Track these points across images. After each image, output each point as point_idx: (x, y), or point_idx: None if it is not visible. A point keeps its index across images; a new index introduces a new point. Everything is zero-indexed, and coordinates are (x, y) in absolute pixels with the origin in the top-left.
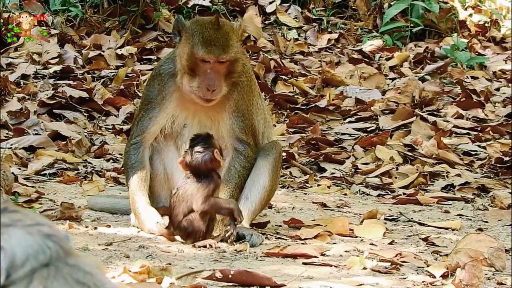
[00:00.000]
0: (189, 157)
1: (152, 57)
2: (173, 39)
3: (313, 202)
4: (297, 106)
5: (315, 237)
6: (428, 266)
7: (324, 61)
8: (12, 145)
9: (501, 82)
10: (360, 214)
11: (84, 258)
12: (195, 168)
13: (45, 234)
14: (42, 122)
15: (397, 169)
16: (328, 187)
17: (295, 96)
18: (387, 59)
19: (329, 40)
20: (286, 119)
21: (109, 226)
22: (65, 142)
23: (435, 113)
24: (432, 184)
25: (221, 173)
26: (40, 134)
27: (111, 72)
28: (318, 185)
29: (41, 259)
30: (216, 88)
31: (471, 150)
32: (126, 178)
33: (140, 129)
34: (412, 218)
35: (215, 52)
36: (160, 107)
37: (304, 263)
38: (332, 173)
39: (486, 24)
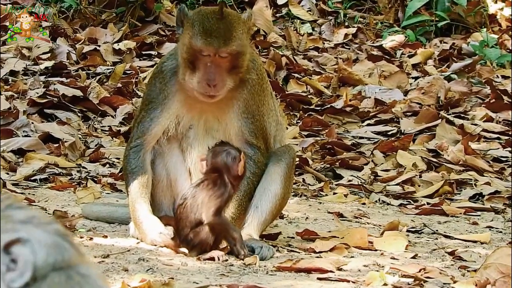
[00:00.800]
0: (211, 154)
1: (153, 52)
2: (176, 31)
3: (329, 212)
4: (311, 107)
5: (331, 250)
6: (455, 282)
7: (340, 58)
8: None
9: None
10: (380, 226)
11: (94, 267)
12: (217, 165)
13: (62, 234)
14: (32, 122)
15: (420, 176)
16: (345, 195)
17: (309, 96)
18: (410, 56)
19: (346, 35)
20: (299, 121)
21: (106, 236)
22: (57, 144)
23: (462, 115)
24: (459, 193)
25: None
26: (30, 136)
27: (108, 69)
28: (334, 193)
29: (59, 259)
30: (217, 83)
31: (501, 156)
32: (126, 185)
33: (140, 131)
34: (437, 230)
35: (214, 44)
36: (162, 107)
37: (319, 279)
38: (349, 181)
39: None
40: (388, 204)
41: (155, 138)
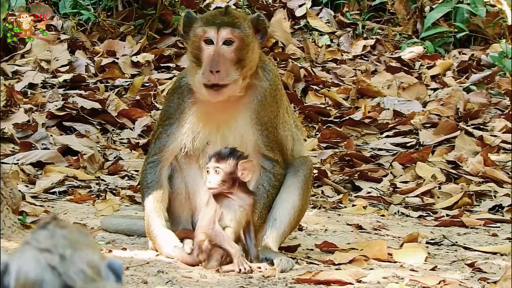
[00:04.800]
0: None
1: (171, 64)
2: (185, 38)
3: (348, 224)
4: (330, 119)
5: (350, 262)
6: None
7: (359, 70)
8: (18, 160)
9: None
10: (400, 237)
11: None
12: None
13: (49, 264)
14: (51, 135)
15: (439, 188)
16: (364, 207)
17: (327, 108)
18: (429, 68)
19: (365, 46)
20: (318, 133)
21: (125, 249)
22: (76, 157)
23: (481, 127)
24: (478, 205)
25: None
26: (49, 149)
27: (126, 81)
28: (353, 205)
29: (29, 287)
30: (220, 70)
31: None
32: (142, 199)
33: (158, 147)
34: (456, 242)
35: (216, 24)
36: (179, 123)
37: None
38: (368, 192)
39: None
40: (407, 216)
41: (173, 154)
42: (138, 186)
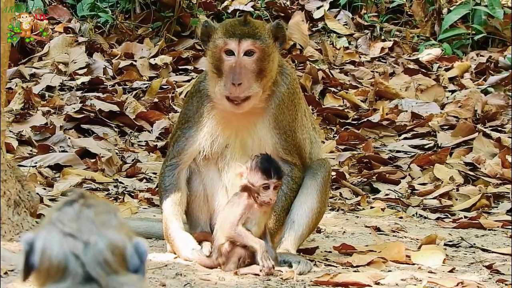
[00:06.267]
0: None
1: (189, 67)
2: (203, 46)
3: (366, 226)
4: (348, 121)
5: (368, 264)
6: None
7: (377, 72)
8: (36, 163)
9: None
10: (418, 239)
11: None
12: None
13: (72, 252)
14: (69, 138)
15: (457, 190)
16: (382, 209)
17: (346, 110)
18: (446, 70)
19: (383, 48)
20: (336, 135)
21: None
22: (94, 160)
23: (499, 128)
24: (496, 207)
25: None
26: (66, 151)
27: (144, 84)
28: (371, 207)
29: (53, 271)
30: (242, 83)
31: None
32: (160, 202)
33: (176, 150)
34: (474, 244)
35: (237, 35)
36: (198, 126)
37: None
38: (387, 194)
39: None
40: (425, 218)
41: (191, 158)
42: (156, 189)
